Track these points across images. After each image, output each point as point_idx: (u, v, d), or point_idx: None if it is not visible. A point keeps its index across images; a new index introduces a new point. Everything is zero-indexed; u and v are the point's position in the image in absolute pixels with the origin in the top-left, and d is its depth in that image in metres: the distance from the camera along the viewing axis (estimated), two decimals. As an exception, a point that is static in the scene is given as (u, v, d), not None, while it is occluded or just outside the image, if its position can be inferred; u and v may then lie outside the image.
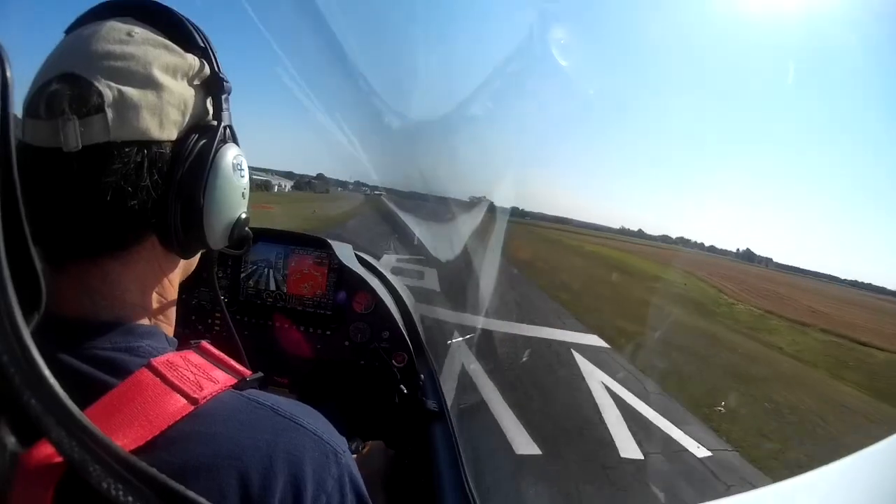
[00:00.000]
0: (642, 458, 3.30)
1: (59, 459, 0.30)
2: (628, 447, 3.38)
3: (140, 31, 0.43)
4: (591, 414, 3.77)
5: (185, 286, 0.52)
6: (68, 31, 0.45)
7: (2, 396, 0.27)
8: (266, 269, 1.42)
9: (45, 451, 0.31)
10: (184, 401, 0.37)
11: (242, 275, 1.42)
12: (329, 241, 1.44)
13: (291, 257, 1.42)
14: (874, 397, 7.24)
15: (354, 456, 0.72)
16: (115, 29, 0.43)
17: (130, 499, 0.25)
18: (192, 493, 0.26)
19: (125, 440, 0.33)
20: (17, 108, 0.29)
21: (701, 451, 3.66)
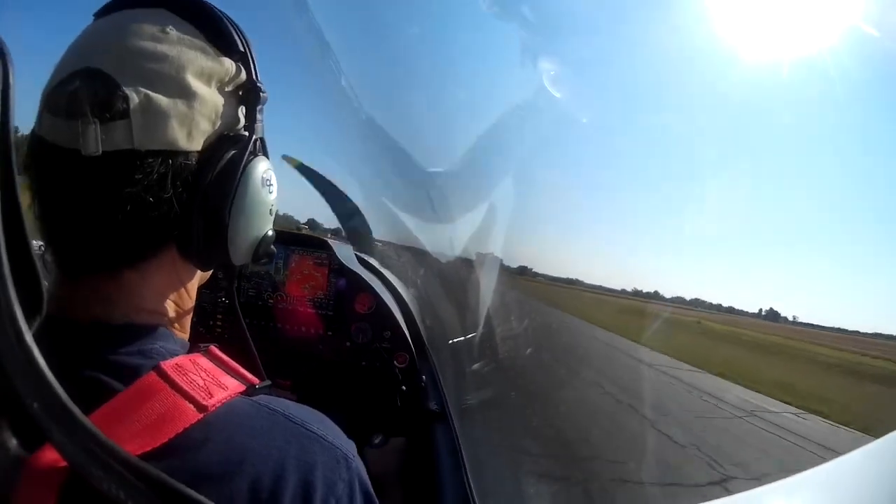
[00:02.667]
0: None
1: (64, 463, 0.30)
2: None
3: (176, 28, 0.40)
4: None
5: None
6: (98, 14, 0.42)
7: (3, 399, 0.27)
8: (267, 270, 1.42)
9: (51, 455, 0.31)
10: (192, 408, 0.36)
11: (243, 275, 1.42)
12: (329, 241, 1.44)
13: (292, 258, 1.42)
14: None
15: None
16: (150, 23, 0.40)
17: (134, 502, 0.24)
18: (196, 495, 0.26)
19: (132, 446, 0.32)
20: (17, 109, 0.29)
21: None
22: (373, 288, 1.39)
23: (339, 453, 0.41)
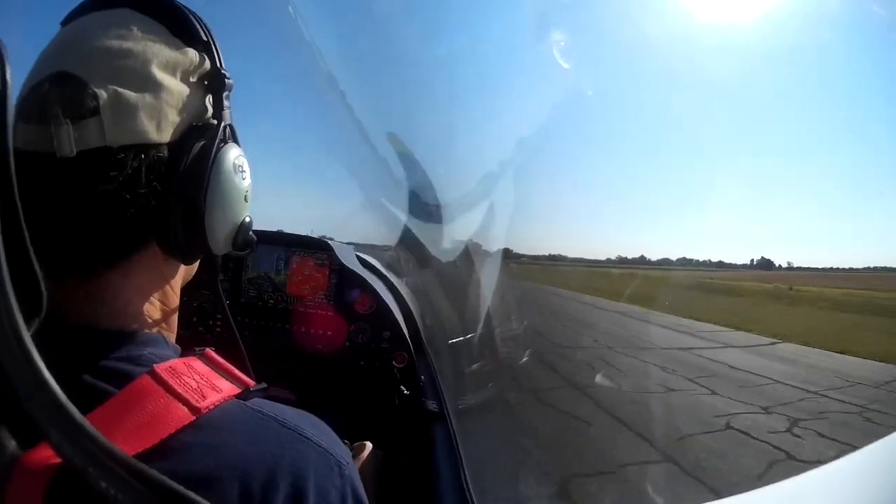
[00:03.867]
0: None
1: (54, 461, 0.30)
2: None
3: (139, 25, 0.41)
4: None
5: (186, 288, 0.52)
6: (64, 22, 0.43)
7: (2, 400, 0.27)
8: (267, 272, 1.42)
9: (43, 452, 0.31)
10: (185, 409, 0.36)
11: (244, 277, 1.43)
12: (330, 242, 1.44)
13: (293, 259, 1.42)
14: None
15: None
16: (113, 22, 0.41)
17: (130, 501, 0.25)
18: (193, 495, 0.26)
19: (125, 447, 0.32)
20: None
21: None
22: (373, 288, 1.39)
23: (332, 460, 0.41)
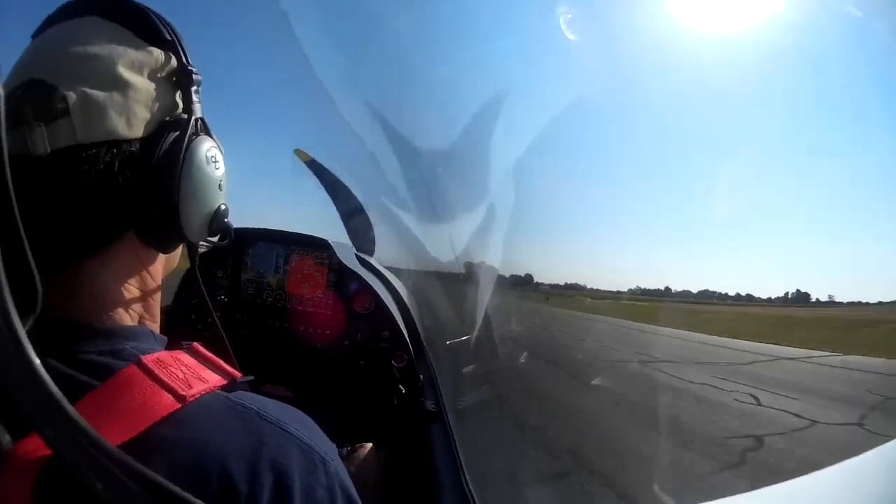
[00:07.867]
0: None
1: (42, 453, 0.30)
2: None
3: (104, 29, 0.43)
4: None
5: (184, 286, 0.52)
6: (34, 35, 0.45)
7: None
8: (267, 270, 1.43)
9: (31, 444, 0.31)
10: (171, 398, 0.36)
11: (243, 275, 1.43)
12: (329, 241, 1.45)
13: (292, 258, 1.42)
14: None
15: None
16: (79, 30, 0.43)
17: (118, 495, 0.25)
18: (177, 489, 0.27)
19: (111, 435, 0.32)
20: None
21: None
22: (372, 288, 1.39)
23: (315, 456, 0.40)
